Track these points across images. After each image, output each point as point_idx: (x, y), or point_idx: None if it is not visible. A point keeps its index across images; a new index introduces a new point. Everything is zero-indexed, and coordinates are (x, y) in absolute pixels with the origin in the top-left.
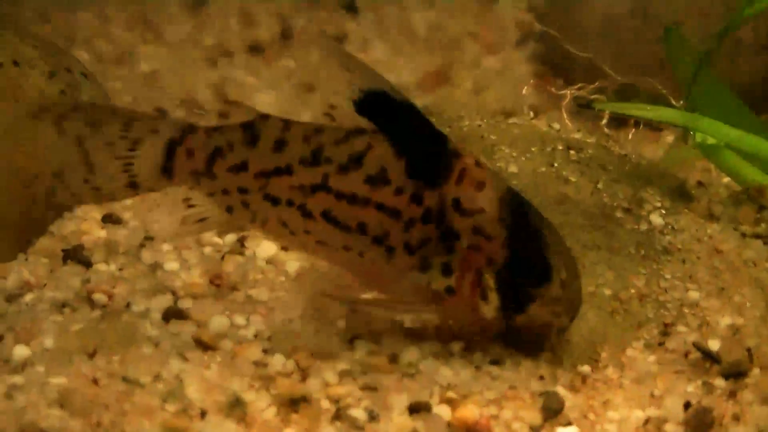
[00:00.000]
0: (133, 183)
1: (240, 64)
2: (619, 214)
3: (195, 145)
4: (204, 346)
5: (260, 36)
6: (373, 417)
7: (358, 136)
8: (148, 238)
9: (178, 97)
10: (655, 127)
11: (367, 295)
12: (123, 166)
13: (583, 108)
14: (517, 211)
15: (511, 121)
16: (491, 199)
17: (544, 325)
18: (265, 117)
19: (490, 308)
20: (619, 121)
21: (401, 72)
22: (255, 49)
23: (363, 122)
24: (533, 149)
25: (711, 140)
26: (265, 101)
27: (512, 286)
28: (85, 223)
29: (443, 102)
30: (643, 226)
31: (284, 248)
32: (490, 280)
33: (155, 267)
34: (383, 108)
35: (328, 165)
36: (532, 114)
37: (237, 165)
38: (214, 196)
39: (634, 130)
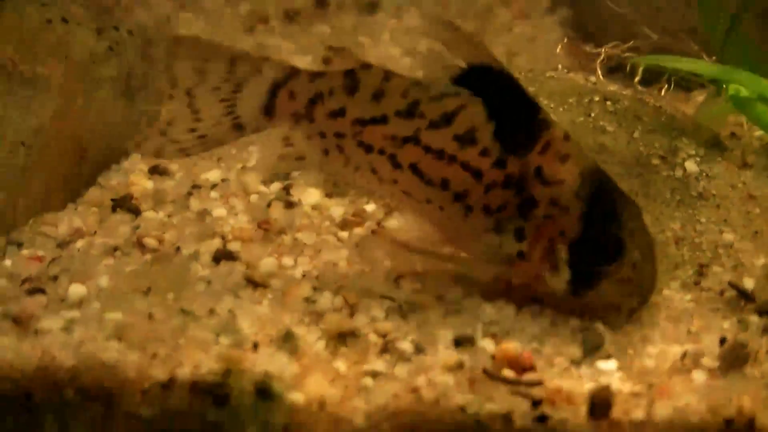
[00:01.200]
0: (238, 125)
1: (276, 30)
2: (655, 161)
3: (297, 88)
4: (255, 284)
5: (295, 2)
6: (419, 350)
7: (453, 96)
8: (196, 187)
9: None
10: (685, 87)
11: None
12: (227, 108)
13: (615, 69)
14: (598, 188)
15: (548, 74)
16: (573, 173)
17: (612, 305)
18: (366, 66)
19: (559, 280)
20: (652, 80)
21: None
22: (290, 15)
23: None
24: (570, 100)
25: (744, 93)
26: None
27: (583, 261)
28: (133, 175)
29: None
30: (678, 173)
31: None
32: (562, 251)
33: (203, 214)
34: (482, 77)
35: (421, 119)
36: (567, 70)
37: (336, 111)
38: (311, 139)
39: (666, 86)
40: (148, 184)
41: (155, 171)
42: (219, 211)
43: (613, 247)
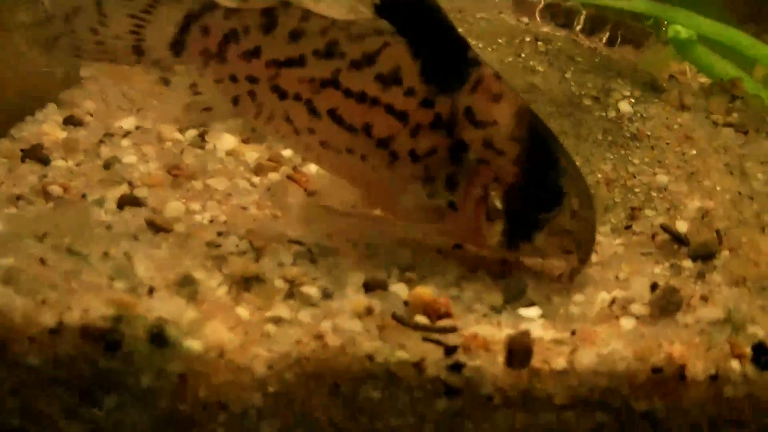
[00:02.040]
0: (138, 48)
1: None
2: (587, 102)
3: (212, 23)
4: (156, 228)
5: None
6: (327, 294)
7: (375, 34)
8: (108, 135)
9: None
10: (634, 42)
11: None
12: (133, 26)
13: (558, 16)
14: (533, 130)
15: (478, 15)
16: (506, 113)
17: (551, 263)
18: (285, 4)
19: (494, 230)
20: (594, 29)
21: None
22: None
23: (384, 24)
24: (500, 41)
25: (684, 34)
26: None
27: (520, 209)
28: (46, 125)
29: None
30: (612, 114)
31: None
32: (496, 199)
33: (113, 161)
34: (406, 9)
35: (340, 60)
36: (498, 10)
37: (250, 50)
38: (221, 84)
39: (608, 34)
40: (61, 134)
41: (69, 121)
42: (129, 159)
43: (551, 193)
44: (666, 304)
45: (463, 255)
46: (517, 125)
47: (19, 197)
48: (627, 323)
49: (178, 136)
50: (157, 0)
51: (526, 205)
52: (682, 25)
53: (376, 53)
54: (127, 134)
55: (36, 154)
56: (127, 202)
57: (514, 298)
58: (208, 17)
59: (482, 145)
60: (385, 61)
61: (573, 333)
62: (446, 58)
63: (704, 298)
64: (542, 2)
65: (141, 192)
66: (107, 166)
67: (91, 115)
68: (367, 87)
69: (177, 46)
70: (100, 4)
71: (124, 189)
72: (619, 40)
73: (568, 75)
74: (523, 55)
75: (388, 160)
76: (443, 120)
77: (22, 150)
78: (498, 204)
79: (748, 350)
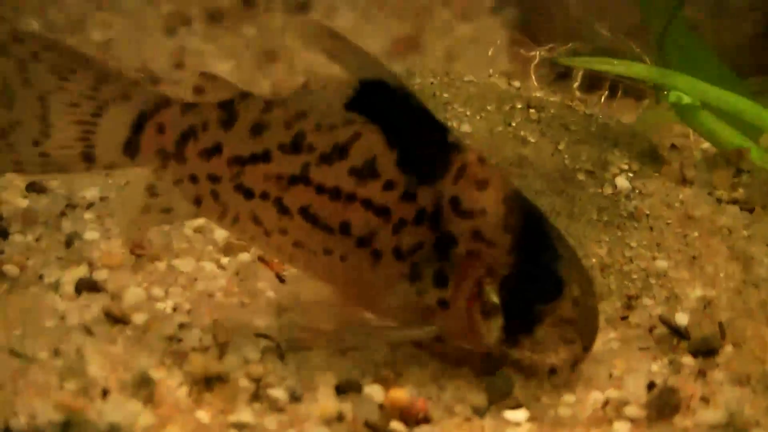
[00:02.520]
0: (88, 155)
1: (199, 31)
2: (581, 177)
3: (167, 120)
4: (114, 319)
5: (221, 2)
6: (295, 397)
7: (345, 123)
8: (71, 206)
9: (134, 67)
10: (636, 95)
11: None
12: (81, 132)
13: (564, 75)
14: (525, 216)
15: (467, 78)
16: (495, 200)
17: (553, 355)
18: (245, 95)
19: (492, 327)
20: (593, 86)
21: (368, 40)
22: (215, 16)
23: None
24: (489, 108)
25: (687, 99)
26: (224, 70)
27: (518, 303)
28: (6, 192)
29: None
30: (608, 190)
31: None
32: (492, 294)
33: (74, 236)
34: (377, 97)
35: (309, 153)
36: (491, 71)
37: (209, 148)
38: (181, 185)
39: (606, 93)
40: (23, 203)
41: (32, 188)
42: (91, 234)
43: (550, 282)
44: (663, 406)
45: (443, 350)
46: (507, 212)
47: None
48: (621, 428)
49: None
50: (106, 102)
51: (525, 298)
52: (684, 92)
53: (347, 144)
54: (90, 205)
55: None
56: (84, 286)
57: (500, 398)
58: (163, 114)
59: (471, 237)
60: (358, 152)
61: None
62: (425, 145)
63: (705, 399)
64: (537, 57)
65: (101, 274)
66: (68, 242)
67: (56, 181)
68: (341, 182)
69: (131, 148)
70: (44, 115)
71: (83, 270)
72: (619, 93)
73: (561, 146)
74: (513, 124)
75: (371, 260)
76: (427, 213)
77: None
78: (494, 298)
79: None
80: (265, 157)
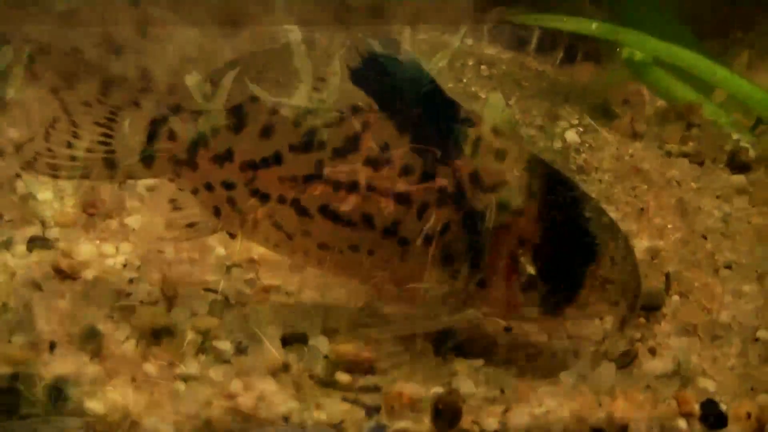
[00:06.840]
0: (110, 161)
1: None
2: (531, 131)
3: (178, 126)
4: (63, 275)
5: None
6: (241, 350)
7: (353, 115)
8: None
9: (98, 36)
10: (595, 58)
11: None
12: (101, 135)
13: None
14: (547, 180)
15: (419, 37)
16: (515, 169)
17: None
18: (253, 99)
19: (532, 299)
20: (550, 47)
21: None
22: None
23: (358, 97)
24: (440, 65)
25: (639, 56)
26: (188, 38)
27: (555, 270)
28: None
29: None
30: (557, 144)
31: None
32: (527, 265)
33: (27, 197)
34: (382, 74)
35: (321, 150)
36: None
37: (221, 154)
38: (198, 194)
39: (561, 54)
40: None
41: None
42: (45, 195)
43: (585, 244)
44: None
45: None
46: (529, 180)
47: None
48: (568, 378)
49: None
50: (118, 106)
51: (561, 264)
52: (636, 48)
53: (357, 135)
54: None
55: None
56: (36, 244)
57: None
58: (173, 121)
59: (497, 210)
60: (370, 141)
61: (502, 391)
62: (436, 123)
63: (652, 351)
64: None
65: (53, 232)
66: (22, 202)
67: (13, 144)
68: (357, 175)
69: (147, 158)
70: (70, 113)
71: (35, 229)
72: (579, 57)
73: (512, 101)
74: (464, 80)
75: (400, 250)
76: (449, 192)
77: None
78: (530, 269)
79: (696, 407)
80: (276, 158)
